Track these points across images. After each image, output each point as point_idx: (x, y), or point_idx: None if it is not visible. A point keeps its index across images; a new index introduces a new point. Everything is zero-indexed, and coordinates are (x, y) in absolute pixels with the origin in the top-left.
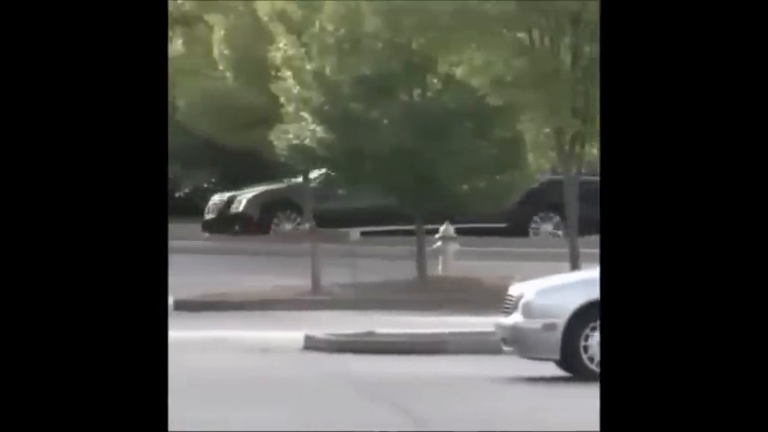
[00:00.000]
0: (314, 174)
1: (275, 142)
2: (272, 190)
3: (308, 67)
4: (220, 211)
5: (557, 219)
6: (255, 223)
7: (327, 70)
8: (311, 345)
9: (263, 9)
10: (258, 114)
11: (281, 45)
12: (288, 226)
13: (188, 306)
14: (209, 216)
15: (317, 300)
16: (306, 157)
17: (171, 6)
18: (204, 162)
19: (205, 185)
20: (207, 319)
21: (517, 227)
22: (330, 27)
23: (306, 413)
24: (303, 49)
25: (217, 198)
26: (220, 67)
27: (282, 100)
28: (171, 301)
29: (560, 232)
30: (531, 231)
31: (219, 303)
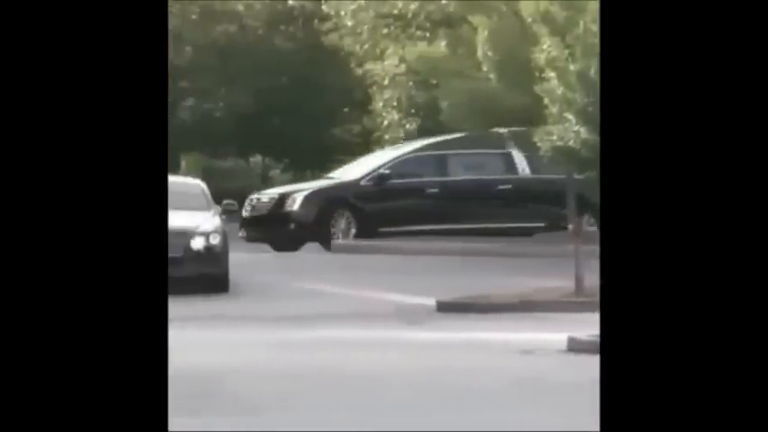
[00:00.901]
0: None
1: (539, 143)
2: (328, 187)
3: (572, 68)
4: (271, 210)
5: (587, 217)
6: (313, 223)
7: (592, 71)
8: (574, 347)
9: (526, 10)
10: (522, 115)
11: (544, 46)
12: (342, 226)
13: (449, 307)
14: (252, 214)
15: (580, 301)
16: (569, 158)
17: (433, 6)
18: None
19: None
20: (468, 321)
21: (553, 227)
22: (594, 28)
23: (569, 416)
24: (567, 50)
25: (264, 195)
26: (484, 69)
27: (546, 101)
28: (433, 302)
29: (594, 228)
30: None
31: (481, 305)
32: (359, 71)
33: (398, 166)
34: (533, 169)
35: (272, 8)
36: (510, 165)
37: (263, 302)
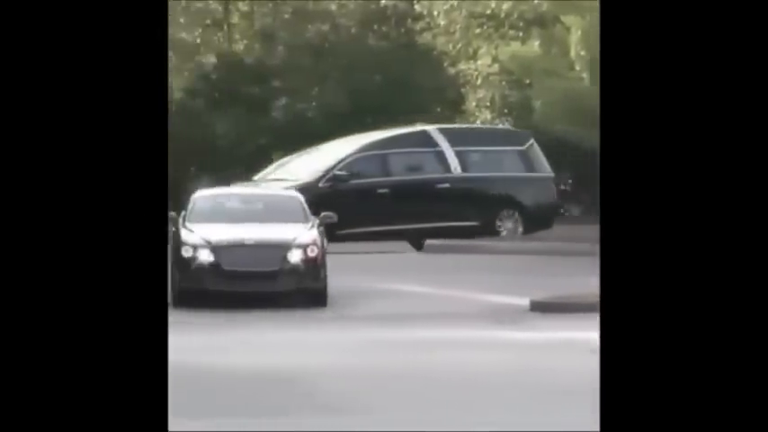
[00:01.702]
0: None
1: None
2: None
3: None
4: None
5: (516, 216)
6: None
7: None
8: None
9: None
10: None
11: None
12: None
13: (543, 307)
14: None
15: None
16: None
17: (525, 6)
18: (559, 163)
19: (562, 187)
20: (562, 321)
21: (486, 226)
22: None
23: None
24: None
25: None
26: (577, 68)
27: None
28: (526, 302)
29: (521, 228)
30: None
31: (575, 304)
32: (452, 70)
33: (348, 166)
34: (464, 167)
35: (366, 7)
36: (444, 163)
37: (352, 304)
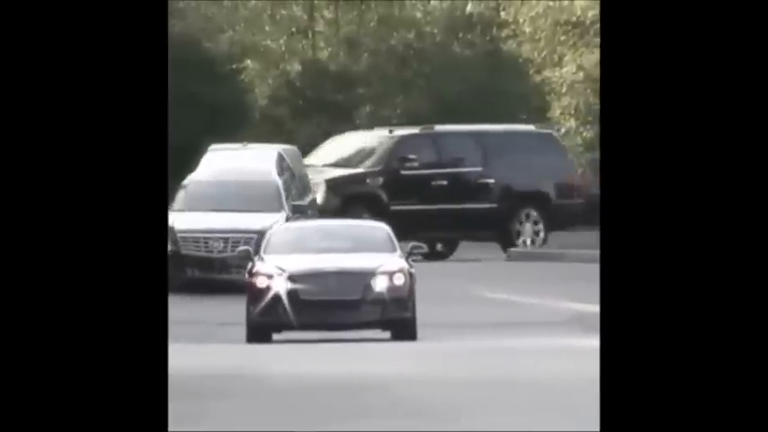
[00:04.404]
0: None
1: None
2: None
3: None
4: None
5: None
6: None
7: None
8: None
9: None
10: None
11: None
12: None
13: None
14: None
15: None
16: None
17: None
18: None
19: None
20: None
21: None
22: None
23: None
24: None
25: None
26: None
27: None
28: None
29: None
30: None
31: None
32: (537, 78)
33: None
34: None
35: (451, 15)
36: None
37: (438, 311)
